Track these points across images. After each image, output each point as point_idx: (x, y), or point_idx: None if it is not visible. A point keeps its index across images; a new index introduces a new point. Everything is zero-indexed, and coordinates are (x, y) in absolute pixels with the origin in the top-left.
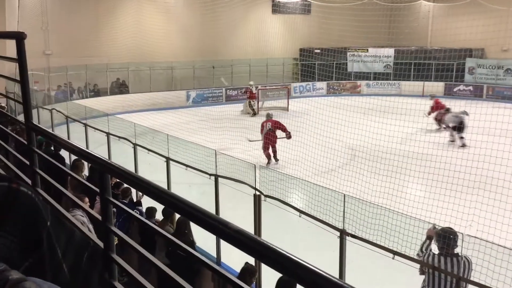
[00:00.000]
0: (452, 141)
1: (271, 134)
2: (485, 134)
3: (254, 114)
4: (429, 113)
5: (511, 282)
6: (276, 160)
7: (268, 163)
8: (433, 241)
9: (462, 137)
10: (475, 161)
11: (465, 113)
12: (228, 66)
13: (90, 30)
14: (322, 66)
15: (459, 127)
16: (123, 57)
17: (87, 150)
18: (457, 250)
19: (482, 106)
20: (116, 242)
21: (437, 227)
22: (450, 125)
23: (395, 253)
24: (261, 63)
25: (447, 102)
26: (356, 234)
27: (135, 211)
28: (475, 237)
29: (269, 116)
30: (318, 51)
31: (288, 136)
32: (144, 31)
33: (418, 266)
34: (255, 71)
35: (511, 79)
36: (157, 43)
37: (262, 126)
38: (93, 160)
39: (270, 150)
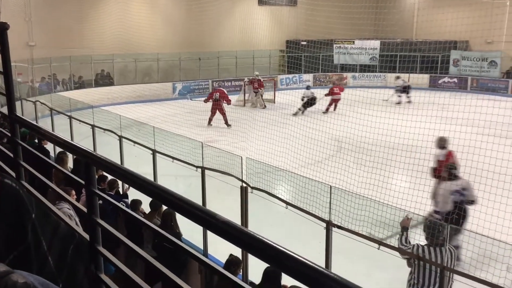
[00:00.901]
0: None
1: (219, 102)
2: (469, 126)
3: (265, 106)
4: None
5: (494, 270)
6: (228, 125)
7: (209, 124)
8: (409, 231)
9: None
10: (459, 152)
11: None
12: (215, 58)
13: (74, 21)
14: (308, 58)
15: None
16: (108, 48)
17: (72, 142)
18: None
19: (466, 98)
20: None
21: (410, 216)
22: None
23: (380, 243)
24: (248, 55)
25: (432, 94)
26: (342, 225)
27: (122, 203)
28: (459, 227)
29: (217, 87)
30: (305, 43)
31: (229, 103)
32: (130, 22)
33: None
34: (241, 63)
35: (495, 71)
36: (142, 34)
37: (212, 94)
38: (78, 152)
39: (215, 117)
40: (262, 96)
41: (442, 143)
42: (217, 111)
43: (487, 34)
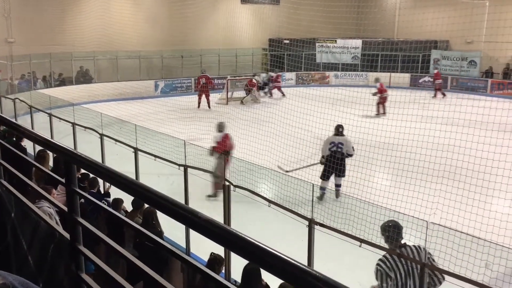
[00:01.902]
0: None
1: (204, 87)
2: (449, 124)
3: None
4: (374, 94)
5: (473, 267)
6: (209, 107)
7: (198, 107)
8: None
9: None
10: (440, 150)
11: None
12: (197, 55)
13: (54, 17)
14: (291, 57)
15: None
16: (89, 45)
17: (52, 140)
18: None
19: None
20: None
21: None
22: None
23: (362, 241)
24: (231, 53)
25: (413, 93)
26: (324, 223)
27: (103, 202)
28: (439, 224)
29: (203, 72)
30: (287, 41)
31: (213, 87)
32: (111, 19)
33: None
34: (224, 61)
35: (475, 71)
36: (124, 31)
37: (199, 80)
38: (59, 150)
39: (204, 100)
40: (254, 95)
41: (220, 128)
42: (203, 94)
43: (467, 34)
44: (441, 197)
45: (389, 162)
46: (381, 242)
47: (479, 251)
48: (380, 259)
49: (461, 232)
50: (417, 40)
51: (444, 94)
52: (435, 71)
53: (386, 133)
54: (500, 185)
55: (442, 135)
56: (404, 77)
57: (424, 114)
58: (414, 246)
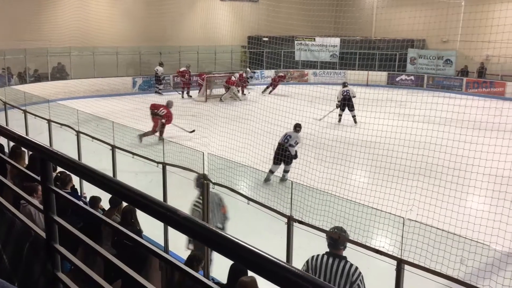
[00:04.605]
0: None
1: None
2: (425, 122)
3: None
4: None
5: (448, 263)
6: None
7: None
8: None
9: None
10: (416, 148)
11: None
12: (176, 52)
13: (29, 12)
14: (270, 54)
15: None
16: (65, 41)
17: (27, 137)
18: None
19: (423, 95)
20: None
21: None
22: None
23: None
24: (210, 50)
25: (390, 91)
26: (303, 220)
27: (81, 201)
28: (415, 221)
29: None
30: (266, 39)
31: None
32: (88, 15)
33: (362, 250)
34: (203, 58)
35: (450, 69)
36: (101, 27)
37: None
38: (34, 147)
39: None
40: (233, 93)
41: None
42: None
43: (443, 33)
44: (417, 193)
45: (367, 159)
46: (359, 238)
47: (454, 247)
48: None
49: (437, 228)
50: (394, 39)
51: None
52: None
53: (364, 131)
54: (475, 182)
55: (419, 133)
56: (381, 75)
57: (401, 112)
58: (346, 263)
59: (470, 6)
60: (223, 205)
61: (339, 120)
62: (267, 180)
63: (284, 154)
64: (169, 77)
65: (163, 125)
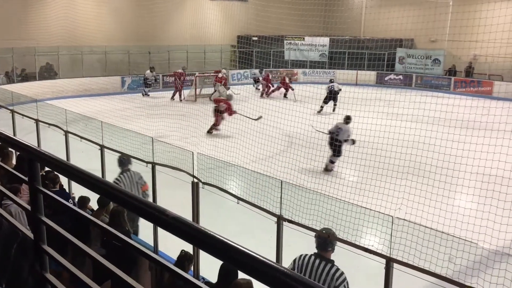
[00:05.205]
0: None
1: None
2: (414, 121)
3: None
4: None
5: (436, 261)
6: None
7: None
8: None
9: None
10: (405, 147)
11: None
12: (165, 52)
13: (17, 11)
14: (259, 54)
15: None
16: (53, 40)
17: (14, 137)
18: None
19: (411, 94)
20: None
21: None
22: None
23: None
24: (199, 49)
25: (379, 91)
26: (292, 219)
27: (69, 201)
28: (404, 219)
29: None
30: (256, 38)
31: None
32: (76, 14)
33: (351, 248)
34: (192, 57)
35: (438, 69)
36: (89, 26)
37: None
38: (21, 147)
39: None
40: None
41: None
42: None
43: (431, 33)
44: (406, 192)
45: (356, 158)
46: (348, 237)
47: (443, 245)
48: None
49: (426, 226)
50: (382, 39)
51: None
52: None
53: (353, 130)
54: (463, 180)
55: (407, 132)
56: (370, 75)
57: (389, 111)
58: (332, 267)
59: (458, 6)
60: (143, 183)
61: (319, 111)
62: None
63: (334, 143)
64: (158, 76)
65: (222, 118)
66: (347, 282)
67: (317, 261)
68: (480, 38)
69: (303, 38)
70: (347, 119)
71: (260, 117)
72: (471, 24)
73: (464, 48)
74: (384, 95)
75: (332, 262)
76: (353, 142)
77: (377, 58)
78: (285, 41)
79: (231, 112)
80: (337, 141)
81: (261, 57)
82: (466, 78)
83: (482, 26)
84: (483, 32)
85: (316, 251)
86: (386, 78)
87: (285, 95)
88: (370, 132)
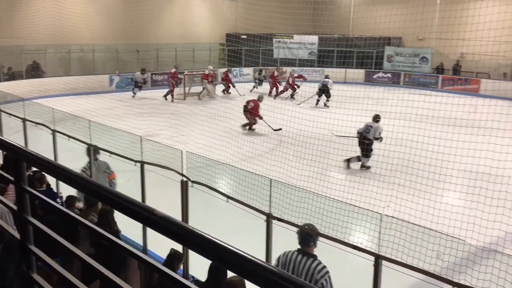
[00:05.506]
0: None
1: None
2: (402, 119)
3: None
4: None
5: (425, 258)
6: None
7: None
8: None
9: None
10: (393, 144)
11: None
12: (153, 50)
13: (3, 9)
14: (248, 52)
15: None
16: (40, 38)
17: (0, 137)
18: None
19: (399, 92)
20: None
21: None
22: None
23: (318, 234)
24: (188, 48)
25: (367, 89)
26: (282, 218)
27: (57, 201)
28: (392, 216)
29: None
30: (245, 37)
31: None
32: (63, 12)
33: (340, 246)
34: (181, 56)
35: (426, 67)
36: (77, 24)
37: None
38: (7, 147)
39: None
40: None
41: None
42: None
43: (419, 31)
44: (394, 190)
45: (345, 156)
46: (337, 235)
47: (430, 242)
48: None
49: (414, 224)
50: (371, 37)
51: None
52: None
53: (341, 128)
54: (450, 177)
55: (396, 130)
56: (359, 73)
57: (378, 109)
58: (314, 262)
59: (445, 4)
60: (110, 172)
61: (316, 104)
62: (363, 167)
63: (363, 143)
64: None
65: (253, 118)
66: (329, 276)
67: (300, 256)
68: (467, 36)
69: (292, 37)
70: (377, 117)
71: (279, 129)
72: (458, 22)
73: (452, 46)
74: (372, 93)
75: (315, 257)
76: (380, 140)
77: (366, 56)
78: (274, 40)
79: (256, 113)
80: (366, 139)
81: (250, 56)
82: (453, 76)
83: (469, 24)
84: (470, 30)
85: (299, 247)
86: (375, 76)
87: (292, 96)
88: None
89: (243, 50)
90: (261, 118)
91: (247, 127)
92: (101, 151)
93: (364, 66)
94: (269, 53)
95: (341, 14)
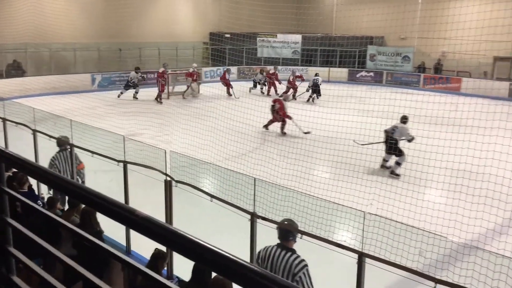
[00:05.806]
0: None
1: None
2: (384, 118)
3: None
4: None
5: (407, 255)
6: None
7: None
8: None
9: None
10: (376, 143)
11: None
12: (136, 49)
13: None
14: (232, 51)
15: None
16: (20, 37)
17: None
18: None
19: (382, 91)
20: None
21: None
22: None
23: (302, 232)
24: (171, 46)
25: (351, 88)
26: (266, 216)
27: (38, 202)
28: (375, 214)
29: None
30: (228, 35)
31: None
32: (44, 9)
33: (324, 244)
34: (164, 54)
35: (408, 66)
36: (58, 22)
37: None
38: None
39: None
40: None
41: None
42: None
43: (401, 31)
44: (377, 188)
45: (328, 155)
46: (321, 233)
47: (413, 239)
48: None
49: (396, 221)
50: (354, 36)
51: None
52: None
53: (325, 127)
54: (432, 175)
55: (378, 128)
56: (342, 72)
57: (360, 108)
58: (292, 255)
59: (427, 3)
60: (79, 162)
61: (308, 100)
62: (383, 166)
63: (391, 143)
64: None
65: (282, 119)
66: (307, 270)
67: (279, 250)
68: (448, 35)
69: (276, 36)
70: (404, 119)
71: (309, 132)
72: (440, 22)
73: (433, 45)
74: (355, 92)
75: (293, 251)
76: (411, 139)
77: (349, 55)
78: (257, 38)
79: (284, 114)
80: (392, 139)
81: (234, 54)
82: (435, 75)
83: (450, 24)
84: (451, 29)
85: (278, 241)
86: (358, 75)
87: (293, 96)
88: (342, 129)
89: (227, 49)
90: (290, 118)
91: (267, 127)
92: (83, 151)
93: (347, 65)
94: (253, 52)
95: (324, 13)
